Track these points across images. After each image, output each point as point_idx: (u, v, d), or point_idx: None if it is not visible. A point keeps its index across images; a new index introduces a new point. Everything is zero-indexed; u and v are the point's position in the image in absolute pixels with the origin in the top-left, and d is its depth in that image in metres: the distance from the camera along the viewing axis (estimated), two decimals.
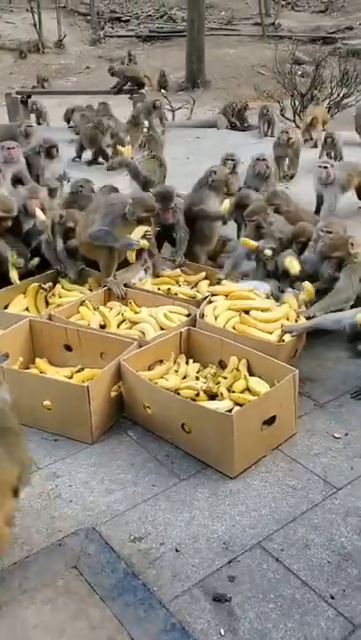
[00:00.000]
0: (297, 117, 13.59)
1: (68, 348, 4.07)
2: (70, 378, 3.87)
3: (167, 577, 2.66)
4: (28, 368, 4.04)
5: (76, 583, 2.64)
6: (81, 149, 10.09)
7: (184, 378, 3.75)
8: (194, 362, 3.93)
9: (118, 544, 2.83)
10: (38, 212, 5.17)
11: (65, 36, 25.49)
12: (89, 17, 28.11)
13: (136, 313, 4.37)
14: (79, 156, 10.19)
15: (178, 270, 5.07)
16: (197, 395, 3.56)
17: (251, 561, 2.74)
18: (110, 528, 2.92)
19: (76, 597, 2.57)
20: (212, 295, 4.50)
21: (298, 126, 12.96)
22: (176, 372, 3.80)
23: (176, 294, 4.68)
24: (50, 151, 7.51)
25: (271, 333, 4.03)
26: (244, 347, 3.77)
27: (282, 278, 4.75)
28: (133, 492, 3.16)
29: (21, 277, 4.79)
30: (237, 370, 3.65)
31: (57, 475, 3.29)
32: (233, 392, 3.54)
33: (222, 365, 3.84)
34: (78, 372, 3.93)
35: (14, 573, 2.70)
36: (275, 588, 2.60)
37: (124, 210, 4.57)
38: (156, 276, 4.99)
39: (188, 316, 4.30)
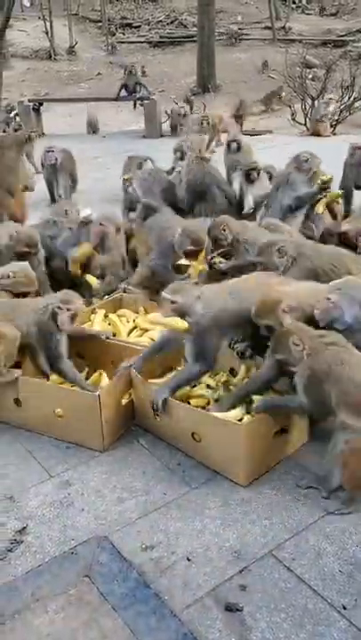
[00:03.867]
0: (308, 121, 13.60)
1: (80, 355, 4.09)
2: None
3: (179, 586, 2.67)
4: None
5: (88, 592, 2.65)
6: None
7: (194, 386, 3.75)
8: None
9: (130, 553, 2.84)
10: None
11: (76, 43, 25.63)
12: (100, 23, 28.25)
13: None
14: None
15: None
16: (208, 403, 3.56)
17: (262, 570, 2.73)
18: (122, 536, 2.93)
19: (88, 606, 2.58)
20: None
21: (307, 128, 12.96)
22: None
23: None
24: None
25: None
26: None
27: None
28: (145, 500, 3.17)
29: None
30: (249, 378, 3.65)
31: (69, 483, 3.31)
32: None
33: (233, 373, 3.84)
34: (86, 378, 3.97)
35: (27, 582, 2.71)
36: (286, 598, 2.59)
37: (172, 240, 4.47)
38: None
39: None
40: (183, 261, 4.41)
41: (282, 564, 2.76)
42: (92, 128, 14.11)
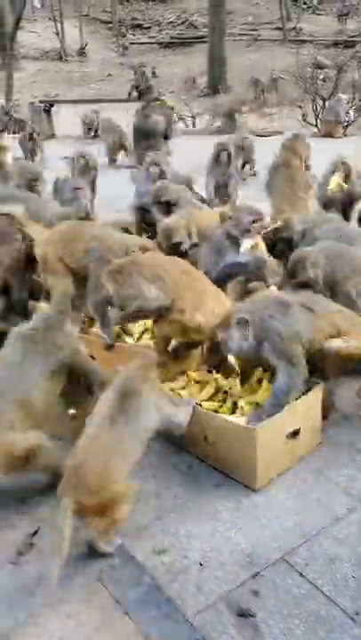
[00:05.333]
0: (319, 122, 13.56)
1: (92, 357, 4.08)
2: None
3: (191, 591, 2.66)
4: None
5: (100, 596, 2.64)
6: None
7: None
8: (217, 372, 3.91)
9: (142, 557, 2.83)
10: None
11: (87, 44, 25.74)
12: (110, 24, 28.33)
13: None
14: None
15: None
16: (221, 406, 3.55)
17: (275, 575, 2.72)
18: (134, 540, 2.92)
19: (101, 611, 2.57)
20: None
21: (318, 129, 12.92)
22: (198, 382, 3.79)
23: None
24: None
25: None
26: None
27: None
28: (156, 503, 3.16)
29: None
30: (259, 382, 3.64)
31: None
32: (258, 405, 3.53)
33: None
34: None
35: (39, 585, 2.71)
36: (299, 604, 2.57)
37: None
38: None
39: None
40: (247, 242, 4.25)
41: (294, 569, 2.75)
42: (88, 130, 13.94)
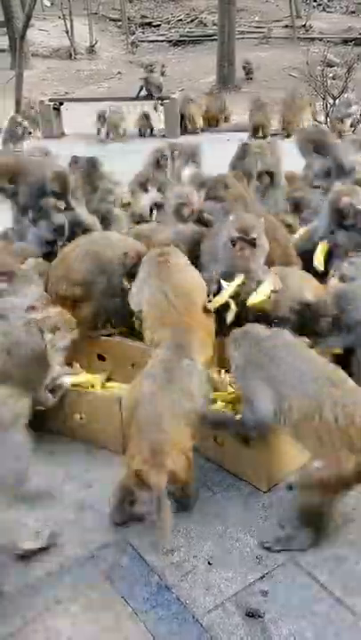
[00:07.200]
0: (328, 120, 13.50)
1: (101, 357, 4.10)
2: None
3: (200, 590, 2.66)
4: None
5: (109, 595, 2.65)
6: None
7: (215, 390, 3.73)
8: (227, 372, 3.90)
9: (151, 556, 2.83)
10: None
11: (96, 42, 25.72)
12: (120, 22, 28.31)
13: None
14: None
15: None
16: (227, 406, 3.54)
17: (284, 576, 2.72)
18: (143, 540, 2.92)
19: (110, 610, 2.58)
20: None
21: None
22: None
23: None
24: None
25: None
26: None
27: None
28: None
29: None
30: None
31: (89, 485, 3.31)
32: None
33: None
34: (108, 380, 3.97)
35: (48, 584, 2.72)
36: (308, 605, 2.57)
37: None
38: None
39: None
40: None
41: (303, 570, 2.74)
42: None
